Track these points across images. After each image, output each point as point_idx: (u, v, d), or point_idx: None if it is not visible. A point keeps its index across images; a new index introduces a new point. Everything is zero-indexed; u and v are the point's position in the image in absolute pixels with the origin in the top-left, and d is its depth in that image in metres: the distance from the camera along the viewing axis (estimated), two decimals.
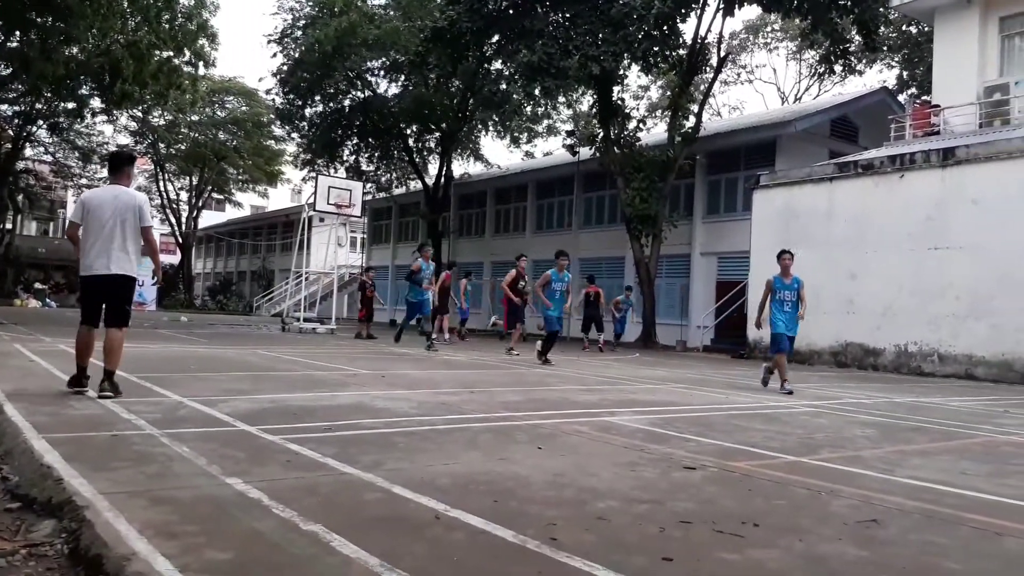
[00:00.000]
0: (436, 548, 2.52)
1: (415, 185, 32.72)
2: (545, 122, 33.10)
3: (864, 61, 30.40)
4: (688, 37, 20.83)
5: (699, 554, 2.60)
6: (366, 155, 31.71)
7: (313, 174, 28.56)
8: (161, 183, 45.40)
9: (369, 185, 31.00)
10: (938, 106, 18.10)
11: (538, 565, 2.40)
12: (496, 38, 22.71)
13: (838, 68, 22.51)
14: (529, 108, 30.43)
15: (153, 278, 7.64)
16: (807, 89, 40.65)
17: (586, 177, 26.37)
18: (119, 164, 6.11)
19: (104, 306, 5.74)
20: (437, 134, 30.38)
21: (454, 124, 28.63)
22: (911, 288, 14.34)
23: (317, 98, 29.58)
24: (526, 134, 32.86)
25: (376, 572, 2.26)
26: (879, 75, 58.58)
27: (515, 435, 4.90)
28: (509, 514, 2.96)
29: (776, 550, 2.68)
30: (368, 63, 28.05)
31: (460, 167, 33.18)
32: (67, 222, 6.15)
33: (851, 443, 5.30)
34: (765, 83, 67.90)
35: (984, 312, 13.29)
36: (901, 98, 27.92)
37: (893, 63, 32.42)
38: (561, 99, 29.79)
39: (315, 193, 20.20)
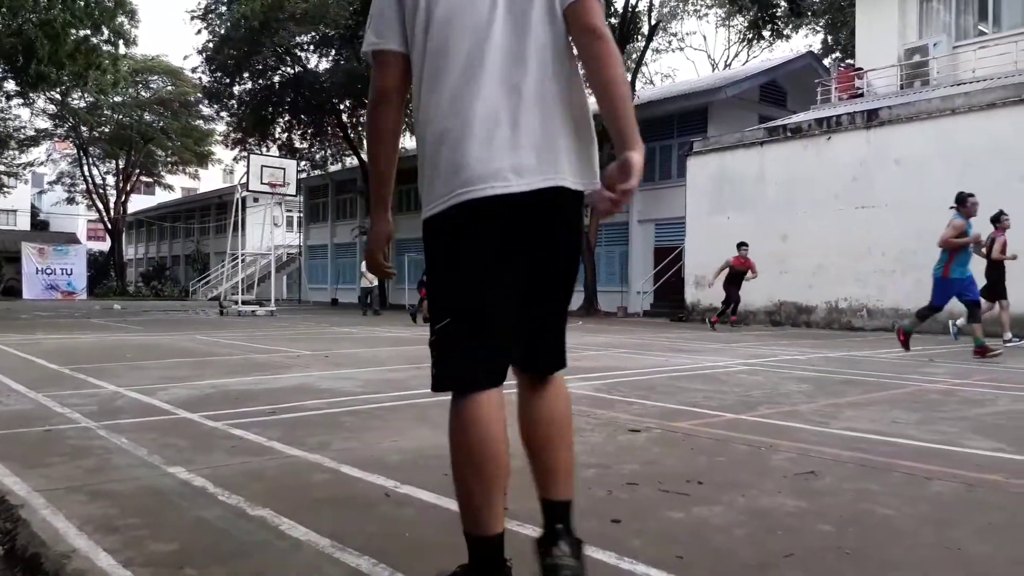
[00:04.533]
0: (387, 525, 2.52)
1: (351, 161, 32.19)
2: None
3: (790, 26, 30.97)
4: (619, 5, 20.86)
5: (646, 514, 2.66)
6: (299, 132, 30.90)
7: (245, 154, 27.74)
8: (85, 167, 43.67)
9: (303, 163, 30.33)
10: (861, 69, 18.59)
11: None
12: None
13: (766, 33, 22.93)
14: None
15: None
16: (736, 55, 41.24)
17: None
18: None
19: (521, 306, 1.91)
20: None
21: None
22: (840, 247, 14.79)
23: (246, 75, 28.63)
24: None
25: (327, 553, 2.25)
26: (805, 40, 59.42)
27: None
28: None
29: (719, 506, 2.76)
30: (297, 38, 27.29)
31: None
32: (366, 50, 1.83)
33: (787, 398, 5.47)
34: (696, 50, 68.96)
35: (908, 267, 13.80)
36: (826, 62, 28.59)
37: (818, 28, 33.08)
38: None
39: (247, 173, 19.76)
